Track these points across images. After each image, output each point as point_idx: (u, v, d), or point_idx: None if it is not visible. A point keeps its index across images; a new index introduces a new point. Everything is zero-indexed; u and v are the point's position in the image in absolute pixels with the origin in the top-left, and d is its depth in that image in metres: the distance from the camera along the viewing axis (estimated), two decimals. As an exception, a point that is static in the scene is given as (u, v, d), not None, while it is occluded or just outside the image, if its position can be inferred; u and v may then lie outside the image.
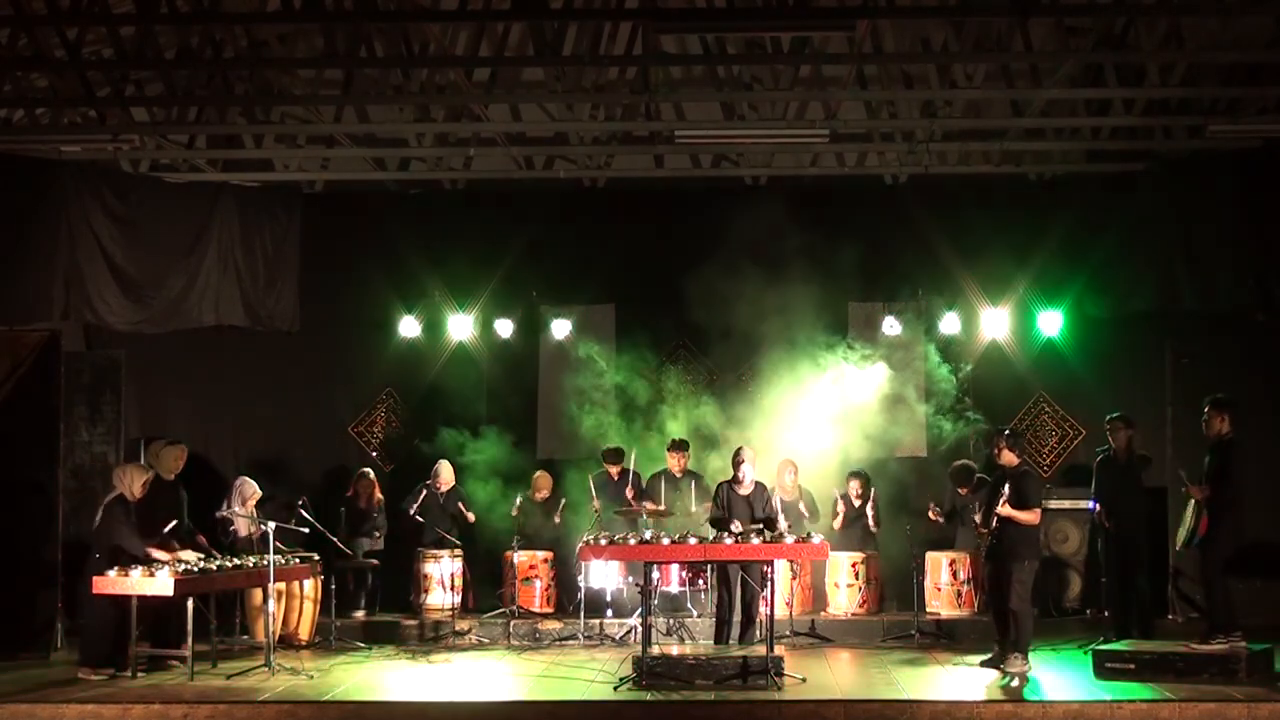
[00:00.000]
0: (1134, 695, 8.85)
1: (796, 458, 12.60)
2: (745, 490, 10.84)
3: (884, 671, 10.19)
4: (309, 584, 11.44)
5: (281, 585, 11.00)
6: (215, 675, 9.88)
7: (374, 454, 13.91)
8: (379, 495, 12.81)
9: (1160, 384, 12.51)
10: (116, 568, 9.74)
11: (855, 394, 13.00)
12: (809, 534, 10.52)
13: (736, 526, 10.37)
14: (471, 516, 12.66)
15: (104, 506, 10.17)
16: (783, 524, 10.72)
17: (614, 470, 12.75)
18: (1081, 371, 13.29)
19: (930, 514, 12.19)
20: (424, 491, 12.65)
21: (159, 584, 9.60)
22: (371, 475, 12.86)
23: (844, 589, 12.27)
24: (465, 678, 10.17)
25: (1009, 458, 10.14)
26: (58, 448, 11.34)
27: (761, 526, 10.42)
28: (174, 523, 10.31)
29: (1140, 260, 12.80)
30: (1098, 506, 11.16)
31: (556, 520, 12.65)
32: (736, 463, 10.93)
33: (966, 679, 9.83)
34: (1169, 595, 12.16)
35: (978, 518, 10.36)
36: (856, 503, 12.61)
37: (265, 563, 10.28)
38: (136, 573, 9.69)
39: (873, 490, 12.59)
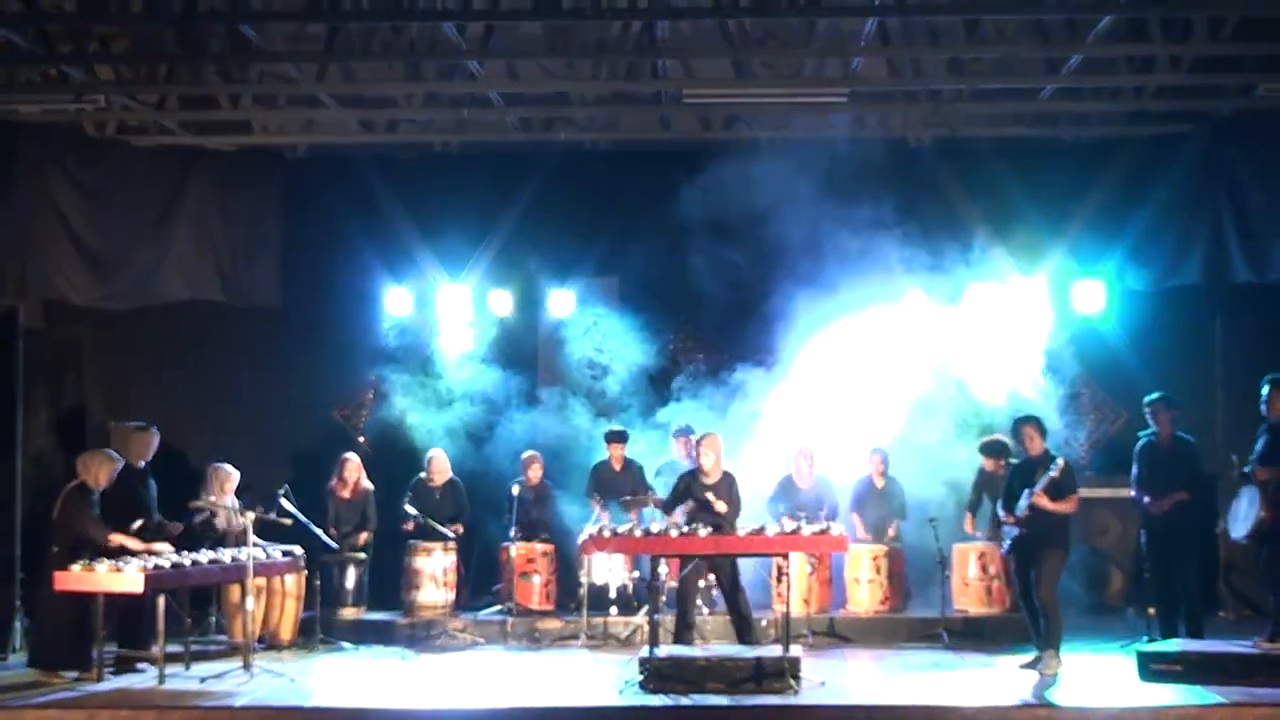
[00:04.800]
0: (1182, 700, 8.72)
1: (814, 443, 12.35)
2: (710, 480, 10.57)
3: (909, 674, 10.06)
4: (291, 579, 11.23)
5: (261, 581, 10.75)
6: (188, 678, 9.76)
7: (360, 439, 13.71)
8: (365, 484, 12.44)
9: (1209, 363, 12.51)
10: (80, 562, 9.48)
11: (876, 374, 12.81)
12: (827, 526, 10.47)
13: (679, 517, 10.37)
14: (460, 528, 12.23)
15: (63, 495, 9.93)
16: (728, 515, 10.45)
17: (616, 454, 12.51)
18: (1122, 350, 13.07)
19: (967, 527, 11.85)
20: (416, 484, 12.36)
21: (127, 580, 9.36)
22: (356, 460, 12.46)
23: (865, 584, 11.99)
24: (458, 681, 10.04)
25: (1039, 445, 10.07)
26: (16, 433, 11.11)
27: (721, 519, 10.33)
28: (140, 522, 10.10)
29: (1187, 229, 12.56)
30: (1147, 498, 10.79)
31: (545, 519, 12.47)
32: (696, 452, 10.70)
33: (997, 682, 9.69)
34: (1219, 591, 12.01)
35: (1001, 510, 10.20)
36: (880, 482, 12.34)
37: (243, 556, 10.08)
38: (102, 568, 9.43)
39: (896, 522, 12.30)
